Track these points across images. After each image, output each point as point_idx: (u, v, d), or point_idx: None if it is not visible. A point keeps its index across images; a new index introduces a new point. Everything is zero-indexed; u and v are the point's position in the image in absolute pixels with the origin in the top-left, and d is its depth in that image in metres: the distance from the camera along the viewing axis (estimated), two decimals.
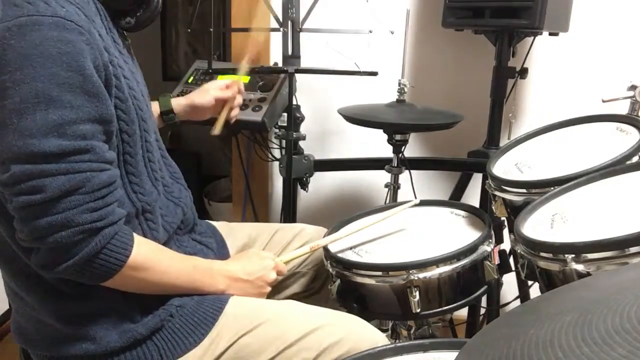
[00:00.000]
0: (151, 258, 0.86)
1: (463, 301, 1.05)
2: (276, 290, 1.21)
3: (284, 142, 1.86)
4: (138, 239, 0.85)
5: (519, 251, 0.91)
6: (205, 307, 0.93)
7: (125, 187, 0.87)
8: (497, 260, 1.09)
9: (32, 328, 0.91)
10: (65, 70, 0.73)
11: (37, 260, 0.80)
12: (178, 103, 1.23)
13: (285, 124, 1.70)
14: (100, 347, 0.86)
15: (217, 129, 1.24)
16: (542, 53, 1.82)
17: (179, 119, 1.23)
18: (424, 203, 1.31)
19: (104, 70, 0.79)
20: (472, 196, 1.76)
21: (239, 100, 1.26)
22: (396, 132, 1.56)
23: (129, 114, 0.85)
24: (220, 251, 1.11)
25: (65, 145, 0.74)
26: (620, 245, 0.72)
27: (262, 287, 1.01)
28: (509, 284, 1.79)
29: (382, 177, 1.70)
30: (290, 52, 1.58)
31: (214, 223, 1.21)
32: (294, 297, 1.20)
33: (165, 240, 0.95)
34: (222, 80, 1.28)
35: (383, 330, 1.24)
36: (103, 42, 0.81)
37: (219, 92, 1.24)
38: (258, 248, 1.21)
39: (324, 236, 1.18)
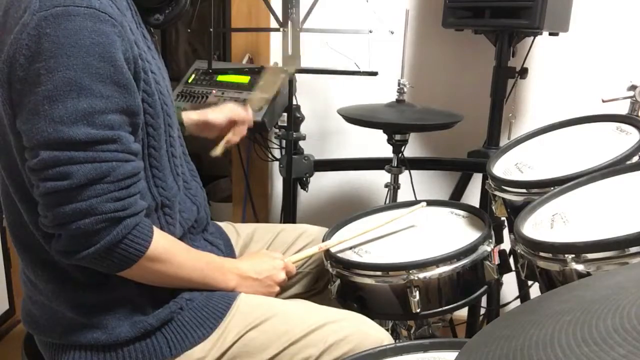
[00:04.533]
0: (168, 251, 0.88)
1: (463, 301, 1.05)
2: (279, 290, 1.22)
3: (284, 142, 1.86)
4: (157, 231, 0.86)
5: (519, 251, 0.91)
6: (214, 301, 0.94)
7: (147, 181, 0.88)
8: (497, 260, 1.09)
9: (43, 316, 0.92)
10: (98, 61, 0.74)
11: (57, 247, 0.81)
12: (189, 117, 1.23)
13: (285, 124, 1.70)
14: (111, 337, 0.87)
15: (218, 151, 1.27)
16: (542, 53, 1.82)
17: (188, 133, 1.23)
18: None
19: (134, 63, 0.81)
20: (472, 196, 1.76)
21: (243, 130, 1.28)
22: (396, 132, 1.56)
23: (155, 108, 0.87)
24: (227, 252, 1.12)
25: (93, 134, 0.75)
26: (620, 245, 0.72)
27: (271, 287, 1.03)
28: (509, 284, 1.79)
29: (382, 177, 1.70)
30: (290, 52, 1.58)
31: (219, 223, 1.22)
32: (297, 297, 1.20)
33: (180, 236, 0.96)
34: (237, 106, 1.30)
35: None
36: (133, 36, 0.82)
37: (233, 112, 1.26)
38: (261, 248, 1.22)
39: (324, 236, 1.18)
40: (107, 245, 0.79)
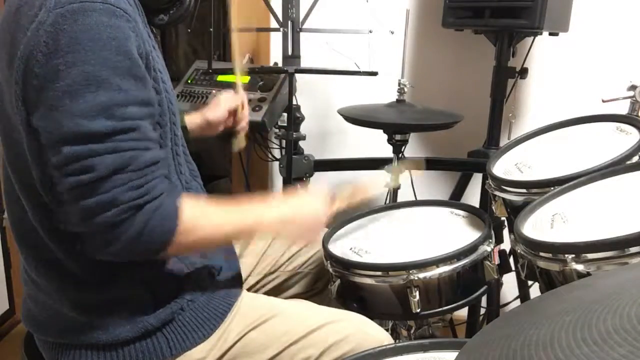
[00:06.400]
0: (198, 222, 0.85)
1: (463, 301, 1.05)
2: (278, 291, 1.22)
3: (284, 142, 1.86)
4: (186, 204, 0.83)
5: (519, 251, 0.91)
6: (215, 302, 0.94)
7: None
8: (497, 260, 1.10)
9: (44, 315, 0.92)
10: (115, 54, 0.75)
11: (88, 246, 0.80)
12: (191, 121, 1.23)
13: (285, 124, 1.70)
14: (112, 336, 0.87)
15: (241, 143, 1.28)
16: (542, 53, 1.82)
17: (192, 136, 1.22)
18: (424, 203, 1.31)
19: (145, 59, 0.81)
20: (472, 196, 1.76)
21: (245, 114, 1.28)
22: (396, 132, 1.56)
23: (162, 106, 0.87)
24: (228, 251, 1.12)
25: (113, 126, 0.75)
26: (620, 245, 0.72)
27: (308, 237, 1.04)
28: (509, 284, 1.79)
29: (382, 177, 1.69)
30: (290, 52, 1.58)
31: None
32: (297, 297, 1.20)
33: None
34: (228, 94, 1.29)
35: None
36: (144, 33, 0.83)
37: (229, 102, 1.25)
38: (260, 249, 1.22)
39: (324, 236, 1.17)
40: (133, 235, 0.78)
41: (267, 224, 0.94)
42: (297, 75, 1.70)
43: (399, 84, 1.57)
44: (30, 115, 0.76)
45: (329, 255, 1.10)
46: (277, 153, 2.07)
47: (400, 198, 1.63)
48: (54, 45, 0.73)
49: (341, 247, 1.15)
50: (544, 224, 0.93)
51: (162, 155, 0.84)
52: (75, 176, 0.75)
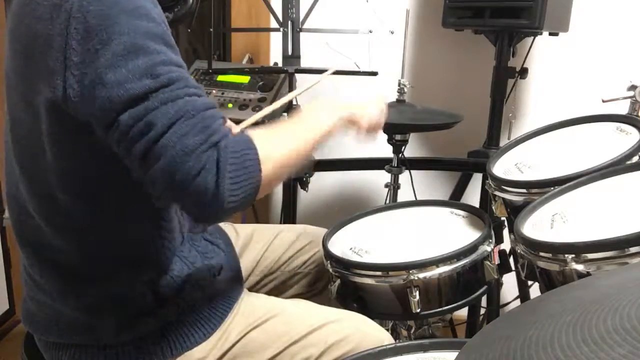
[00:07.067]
0: (270, 146, 0.82)
1: (463, 301, 1.05)
2: (278, 291, 1.22)
3: None
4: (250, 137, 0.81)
5: (519, 251, 0.91)
6: (216, 302, 0.94)
7: None
8: (497, 260, 1.10)
9: (44, 315, 0.92)
10: (145, 22, 0.75)
11: (195, 212, 0.78)
12: None
13: None
14: (112, 336, 0.87)
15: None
16: (542, 53, 1.82)
17: None
18: (424, 203, 1.31)
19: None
20: (472, 196, 1.76)
21: None
22: (396, 132, 1.56)
23: None
24: (228, 251, 1.12)
25: (159, 81, 0.75)
26: (620, 245, 0.72)
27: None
28: (509, 284, 1.79)
29: (382, 177, 1.70)
30: (290, 52, 1.58)
31: (218, 224, 1.21)
32: (297, 297, 1.20)
33: (180, 241, 0.96)
34: None
35: None
36: None
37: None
38: (261, 248, 1.22)
39: (324, 236, 1.17)
40: (224, 172, 0.74)
41: (328, 123, 0.95)
42: (297, 75, 1.70)
43: (399, 84, 1.57)
44: (75, 108, 0.75)
45: (329, 255, 1.10)
46: None
47: (400, 198, 1.63)
48: (85, 29, 0.73)
49: (341, 247, 1.15)
50: (544, 224, 0.93)
51: (213, 103, 0.81)
52: (141, 138, 0.73)
